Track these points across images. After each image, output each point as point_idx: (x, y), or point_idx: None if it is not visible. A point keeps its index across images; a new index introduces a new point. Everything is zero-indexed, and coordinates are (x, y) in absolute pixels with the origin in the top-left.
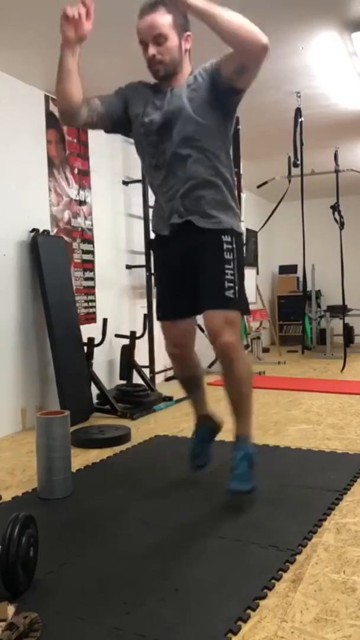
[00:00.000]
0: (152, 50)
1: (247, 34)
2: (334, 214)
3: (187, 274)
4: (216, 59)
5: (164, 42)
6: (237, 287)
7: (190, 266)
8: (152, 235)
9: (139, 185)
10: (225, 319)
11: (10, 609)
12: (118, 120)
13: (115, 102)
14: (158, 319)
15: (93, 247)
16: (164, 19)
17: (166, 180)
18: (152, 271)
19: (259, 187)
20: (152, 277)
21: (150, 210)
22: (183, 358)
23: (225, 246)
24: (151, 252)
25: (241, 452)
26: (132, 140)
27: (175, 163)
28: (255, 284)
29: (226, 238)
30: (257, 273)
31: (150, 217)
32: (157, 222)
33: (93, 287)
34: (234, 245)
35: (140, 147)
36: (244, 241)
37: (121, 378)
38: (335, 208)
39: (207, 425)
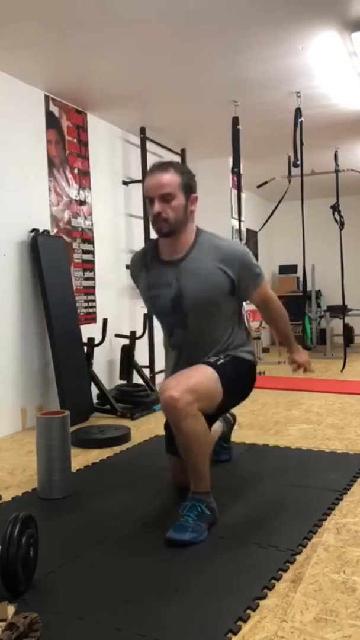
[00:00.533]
0: (157, 207)
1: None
2: (334, 214)
3: None
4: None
5: (170, 200)
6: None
7: None
8: None
9: (139, 185)
10: (186, 378)
11: (10, 609)
12: None
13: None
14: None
15: (93, 247)
16: (172, 179)
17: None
18: None
19: (259, 187)
20: None
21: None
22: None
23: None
24: None
25: (190, 502)
26: (132, 140)
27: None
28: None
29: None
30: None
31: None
32: None
33: (93, 287)
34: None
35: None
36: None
37: (121, 378)
38: (335, 208)
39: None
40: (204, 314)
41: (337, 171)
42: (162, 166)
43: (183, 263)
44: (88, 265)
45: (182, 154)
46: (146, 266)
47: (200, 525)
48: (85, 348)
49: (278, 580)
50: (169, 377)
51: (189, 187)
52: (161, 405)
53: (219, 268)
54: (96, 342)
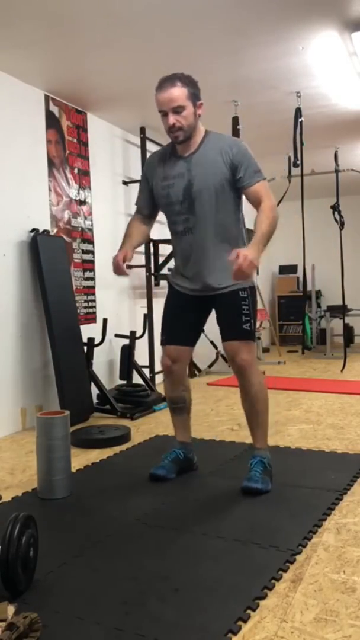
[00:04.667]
0: (172, 119)
1: (274, 228)
2: (334, 214)
3: (200, 314)
4: (245, 170)
5: (182, 111)
6: (252, 323)
7: (205, 309)
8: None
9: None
10: (241, 343)
11: (10, 609)
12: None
13: (146, 195)
14: (162, 343)
15: (93, 247)
16: (181, 92)
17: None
18: (152, 271)
19: None
20: (152, 277)
21: None
22: (176, 374)
23: (242, 301)
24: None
25: (256, 458)
26: (132, 140)
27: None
28: (256, 284)
29: (243, 294)
30: (257, 273)
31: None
32: (176, 278)
33: (93, 287)
34: (250, 297)
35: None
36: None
37: (121, 378)
38: (335, 208)
39: (182, 453)
40: (210, 200)
41: (337, 171)
42: (170, 80)
43: (194, 157)
44: (88, 265)
45: None
46: (164, 161)
47: (265, 479)
48: (85, 348)
49: (278, 580)
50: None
51: (195, 95)
52: (234, 367)
53: (221, 156)
54: (96, 342)
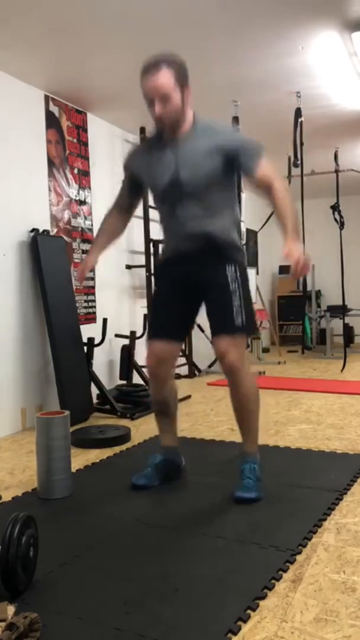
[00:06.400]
0: (158, 108)
1: (294, 208)
2: (334, 214)
3: (189, 305)
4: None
5: (168, 99)
6: (243, 313)
7: (194, 299)
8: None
9: None
10: (231, 341)
11: (10, 609)
12: (139, 187)
13: (126, 186)
14: (147, 338)
15: None
16: (167, 79)
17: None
18: (152, 271)
19: None
20: (152, 277)
21: (150, 211)
22: (162, 377)
23: (230, 280)
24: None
25: (247, 465)
26: (132, 140)
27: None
28: (256, 284)
29: (231, 273)
30: (257, 273)
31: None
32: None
33: (93, 287)
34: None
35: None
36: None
37: (121, 378)
38: (335, 208)
39: (166, 458)
40: (200, 191)
41: (337, 171)
42: (155, 64)
43: (182, 145)
44: None
45: None
46: (149, 150)
47: (258, 485)
48: (85, 348)
49: (278, 580)
50: (216, 335)
51: (182, 79)
52: (224, 368)
53: (211, 144)
54: (96, 342)
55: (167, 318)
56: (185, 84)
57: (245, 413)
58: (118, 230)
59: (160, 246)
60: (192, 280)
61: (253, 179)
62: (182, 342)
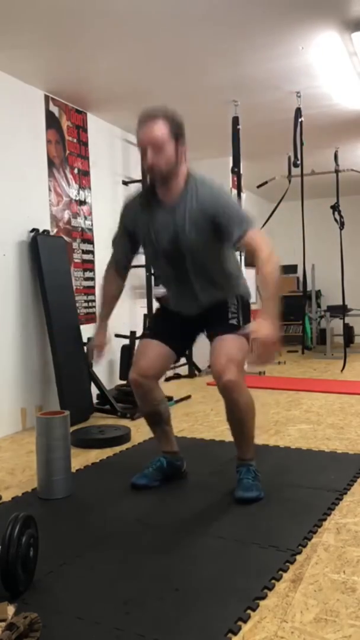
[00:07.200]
0: (151, 158)
1: (278, 277)
2: (334, 214)
3: (190, 329)
4: (228, 221)
5: (162, 150)
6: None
7: (197, 327)
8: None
9: (139, 186)
10: (228, 358)
11: (10, 609)
12: (136, 244)
13: (125, 243)
14: (144, 336)
15: (93, 247)
16: (162, 131)
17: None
18: (152, 271)
19: (259, 187)
20: (152, 277)
21: None
22: (146, 389)
23: (230, 309)
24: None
25: (244, 466)
26: (132, 140)
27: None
28: (256, 284)
29: (232, 308)
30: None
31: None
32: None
33: (93, 287)
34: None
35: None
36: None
37: (121, 378)
38: (335, 208)
39: (167, 461)
40: (198, 253)
41: (337, 171)
42: (152, 116)
43: (176, 207)
44: (88, 265)
45: None
46: (146, 208)
47: (257, 485)
48: (85, 348)
49: (278, 580)
50: (215, 349)
51: (178, 133)
52: (218, 385)
53: (203, 211)
54: None
55: (167, 328)
56: (180, 139)
57: (242, 427)
58: (117, 296)
59: None
60: (196, 320)
61: (241, 246)
62: (173, 354)
